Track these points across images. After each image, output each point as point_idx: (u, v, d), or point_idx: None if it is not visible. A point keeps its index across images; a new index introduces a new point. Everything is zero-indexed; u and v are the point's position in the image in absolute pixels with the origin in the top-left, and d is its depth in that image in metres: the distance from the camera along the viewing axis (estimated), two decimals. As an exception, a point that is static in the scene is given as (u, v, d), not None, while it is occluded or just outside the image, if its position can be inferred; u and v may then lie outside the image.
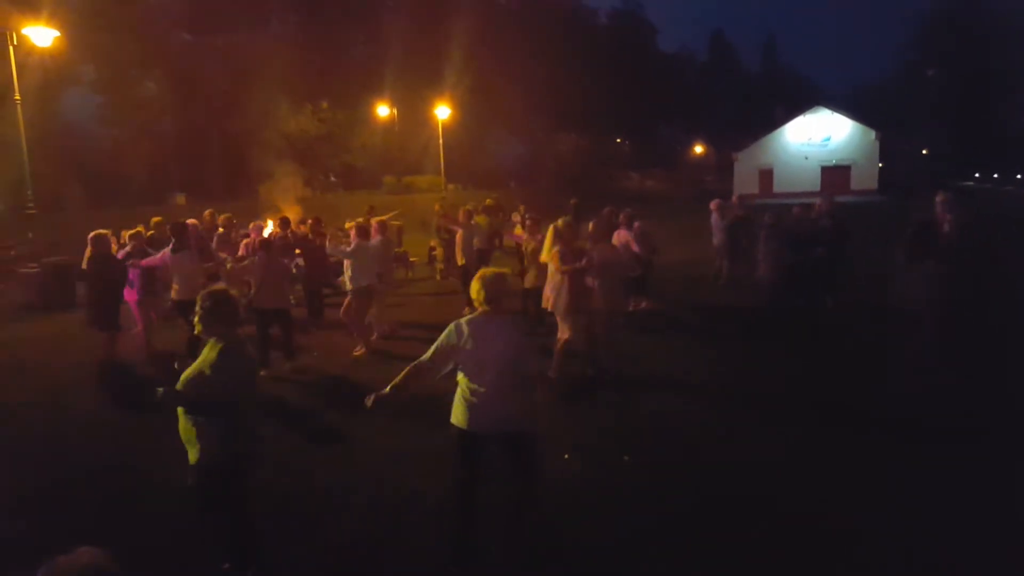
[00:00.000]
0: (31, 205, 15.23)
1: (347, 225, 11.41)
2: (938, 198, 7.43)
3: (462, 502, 4.02)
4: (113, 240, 12.86)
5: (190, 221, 9.84)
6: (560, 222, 7.35)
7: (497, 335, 3.88)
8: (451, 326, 3.95)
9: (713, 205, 12.78)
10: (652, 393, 7.00)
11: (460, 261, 11.59)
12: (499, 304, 3.96)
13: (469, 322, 3.94)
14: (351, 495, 4.99)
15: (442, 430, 6.17)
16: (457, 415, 3.96)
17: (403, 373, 3.95)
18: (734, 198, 12.72)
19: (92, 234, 8.43)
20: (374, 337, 9.39)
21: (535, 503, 4.11)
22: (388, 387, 3.88)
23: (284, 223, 12.20)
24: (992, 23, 55.85)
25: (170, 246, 8.38)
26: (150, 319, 9.42)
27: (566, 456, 5.44)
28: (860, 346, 8.38)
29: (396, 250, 15.24)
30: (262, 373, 7.91)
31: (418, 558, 4.18)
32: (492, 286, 3.94)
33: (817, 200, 10.62)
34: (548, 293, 7.40)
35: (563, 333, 7.20)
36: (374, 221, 10.17)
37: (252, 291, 8.33)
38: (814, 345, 8.58)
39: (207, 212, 12.75)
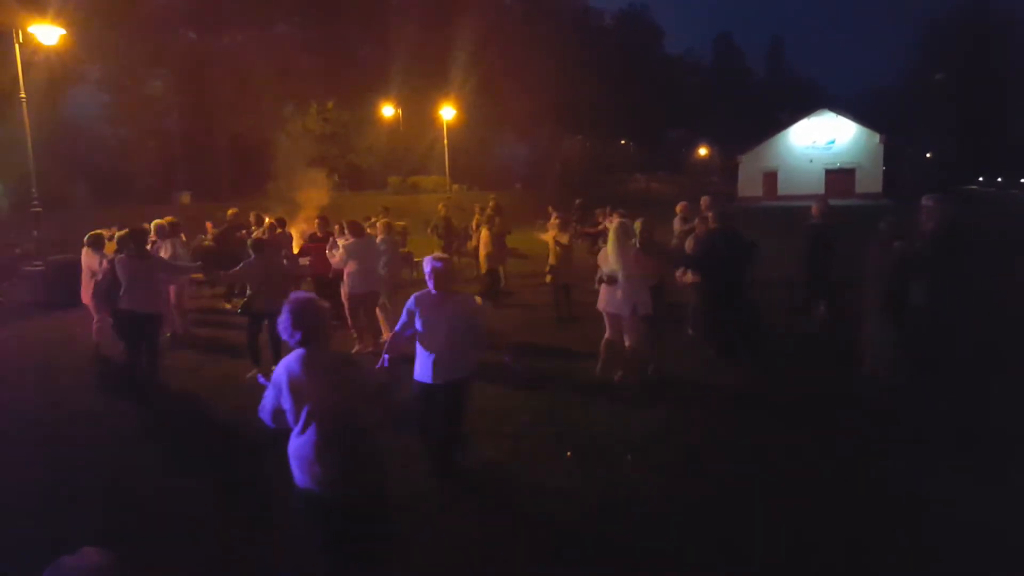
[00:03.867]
0: (36, 203, 15.23)
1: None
2: (924, 201, 7.11)
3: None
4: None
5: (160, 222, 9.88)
6: (638, 224, 7.32)
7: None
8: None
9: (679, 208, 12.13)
10: (646, 396, 7.00)
11: (483, 268, 12.50)
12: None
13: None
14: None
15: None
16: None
17: None
18: (703, 202, 11.17)
19: (121, 233, 8.17)
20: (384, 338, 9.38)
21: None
22: None
23: (280, 223, 12.24)
24: (999, 28, 55.73)
25: (125, 251, 7.74)
26: (105, 321, 8.92)
27: (568, 454, 5.44)
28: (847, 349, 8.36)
29: (401, 250, 15.24)
30: (248, 376, 7.84)
31: (421, 559, 4.16)
32: None
33: (812, 204, 10.43)
34: (619, 295, 7.01)
35: (634, 339, 6.99)
36: (381, 223, 10.31)
37: (248, 294, 8.04)
38: (802, 349, 8.58)
39: (229, 212, 12.83)
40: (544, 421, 6.30)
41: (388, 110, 40.84)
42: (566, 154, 55.40)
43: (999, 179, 66.49)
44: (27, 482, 5.48)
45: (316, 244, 10.89)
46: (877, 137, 51.92)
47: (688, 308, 9.44)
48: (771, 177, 54.56)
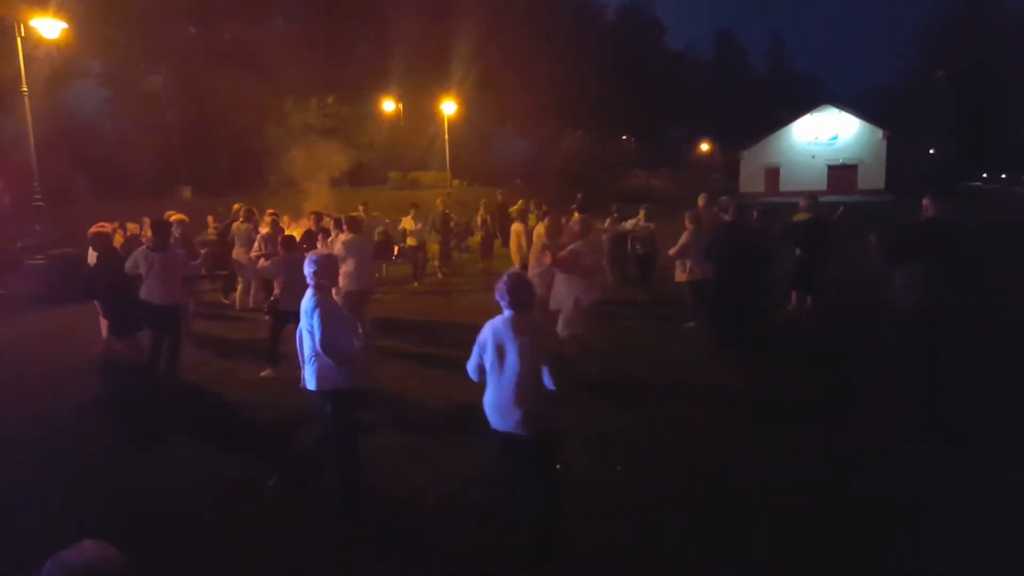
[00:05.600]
0: (38, 197, 15.25)
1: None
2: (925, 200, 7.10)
3: None
4: (119, 233, 12.91)
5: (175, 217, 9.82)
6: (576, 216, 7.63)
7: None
8: None
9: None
10: (644, 395, 7.00)
11: (516, 262, 11.80)
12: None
13: None
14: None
15: (444, 430, 6.20)
16: None
17: None
18: (700, 199, 10.89)
19: (94, 230, 8.04)
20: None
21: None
22: None
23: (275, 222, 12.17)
24: (1002, 24, 55.52)
25: (146, 244, 7.72)
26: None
27: (558, 467, 5.40)
28: (845, 348, 8.38)
29: (399, 245, 15.24)
30: (262, 374, 7.79)
31: (419, 555, 4.18)
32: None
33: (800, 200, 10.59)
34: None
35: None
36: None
37: (277, 292, 7.84)
38: (801, 347, 8.58)
39: (235, 206, 12.74)
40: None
41: (389, 105, 40.74)
42: (567, 150, 55.23)
43: (1003, 175, 66.35)
44: (27, 479, 5.48)
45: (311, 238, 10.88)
46: (880, 133, 51.80)
47: (684, 304, 9.45)
48: (773, 173, 54.47)
